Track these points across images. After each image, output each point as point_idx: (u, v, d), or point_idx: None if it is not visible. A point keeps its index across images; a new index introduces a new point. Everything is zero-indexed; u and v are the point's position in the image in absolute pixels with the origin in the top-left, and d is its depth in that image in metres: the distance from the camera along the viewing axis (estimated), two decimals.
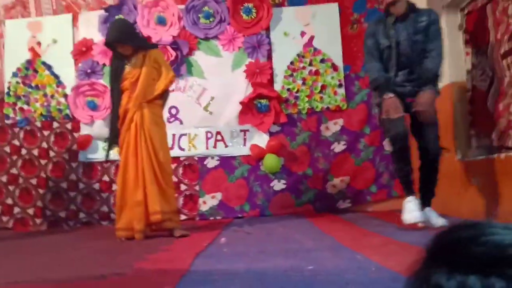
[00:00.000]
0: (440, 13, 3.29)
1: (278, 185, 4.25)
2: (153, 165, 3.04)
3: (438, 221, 2.60)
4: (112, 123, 3.25)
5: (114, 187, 3.99)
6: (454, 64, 3.20)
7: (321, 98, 4.29)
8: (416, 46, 2.71)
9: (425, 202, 2.70)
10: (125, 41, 3.11)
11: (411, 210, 2.59)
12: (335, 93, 4.25)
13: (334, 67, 4.26)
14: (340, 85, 4.25)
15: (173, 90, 4.20)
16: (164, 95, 3.27)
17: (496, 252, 0.38)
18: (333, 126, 4.26)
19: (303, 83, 4.31)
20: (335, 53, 4.27)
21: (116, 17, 4.13)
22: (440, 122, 3.41)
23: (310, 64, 4.31)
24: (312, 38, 4.32)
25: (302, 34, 4.34)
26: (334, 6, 4.27)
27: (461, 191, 3.08)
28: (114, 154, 3.40)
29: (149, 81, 3.14)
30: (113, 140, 3.23)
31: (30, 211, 4.29)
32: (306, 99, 4.29)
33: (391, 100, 2.63)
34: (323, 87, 4.26)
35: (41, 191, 4.32)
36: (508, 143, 2.67)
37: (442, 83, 3.34)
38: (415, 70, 2.73)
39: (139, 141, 3.06)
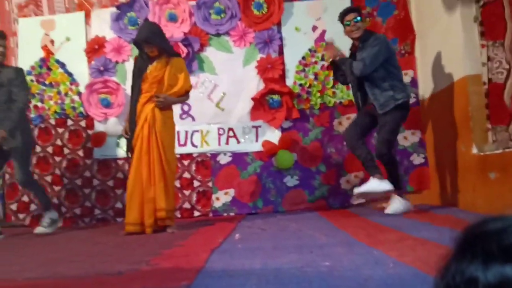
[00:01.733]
0: (455, 5, 3.24)
1: (291, 181, 4.24)
2: (162, 164, 3.18)
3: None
4: (132, 119, 3.32)
5: None
6: (469, 56, 3.14)
7: (333, 93, 4.26)
8: None
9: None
10: (153, 42, 3.22)
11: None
12: (348, 87, 4.21)
13: None
14: None
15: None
16: (180, 99, 3.40)
17: None
18: (346, 121, 4.22)
19: (315, 78, 4.28)
20: (348, 47, 4.21)
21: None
22: (456, 115, 3.37)
23: (322, 59, 4.28)
24: (323, 32, 4.28)
25: (314, 28, 4.30)
26: (346, 0, 4.23)
27: (477, 185, 3.04)
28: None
29: (168, 87, 3.27)
30: (134, 136, 3.29)
31: None
32: (318, 94, 4.26)
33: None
34: (336, 82, 4.22)
35: (56, 188, 4.37)
36: None
37: (457, 76, 3.30)
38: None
39: (151, 140, 3.19)
